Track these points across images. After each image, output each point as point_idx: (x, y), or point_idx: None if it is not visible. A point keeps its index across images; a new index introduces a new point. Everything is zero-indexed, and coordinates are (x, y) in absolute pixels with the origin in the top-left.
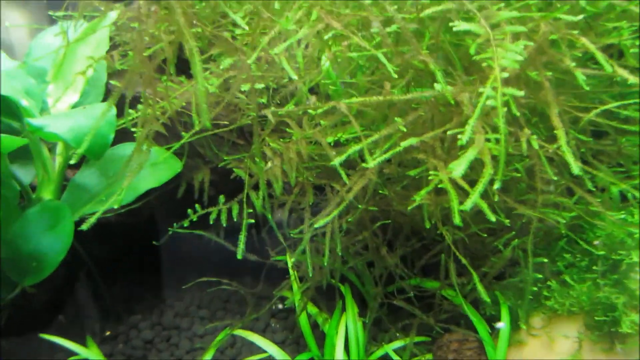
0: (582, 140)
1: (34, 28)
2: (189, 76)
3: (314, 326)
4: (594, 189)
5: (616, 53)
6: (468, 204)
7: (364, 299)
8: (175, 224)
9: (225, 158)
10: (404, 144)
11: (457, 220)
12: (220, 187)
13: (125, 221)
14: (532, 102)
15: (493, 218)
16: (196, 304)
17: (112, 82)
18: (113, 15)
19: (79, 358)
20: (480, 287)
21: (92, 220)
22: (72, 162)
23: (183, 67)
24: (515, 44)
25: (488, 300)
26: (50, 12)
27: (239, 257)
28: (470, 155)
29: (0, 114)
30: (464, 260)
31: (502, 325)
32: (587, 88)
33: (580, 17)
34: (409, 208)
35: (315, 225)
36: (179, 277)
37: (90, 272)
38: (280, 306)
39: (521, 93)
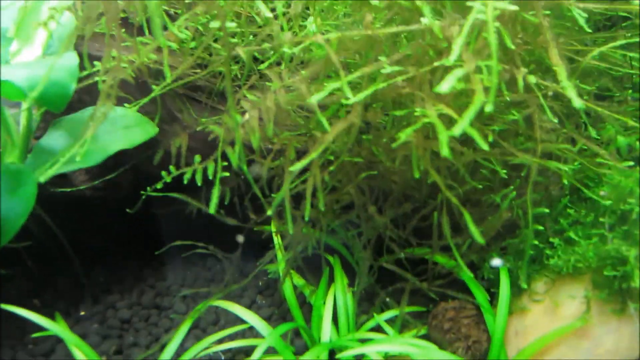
0: (586, 92)
1: None
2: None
3: (302, 300)
4: (599, 142)
5: None
6: (457, 129)
7: (354, 271)
8: (148, 189)
9: (202, 121)
10: (386, 71)
11: (445, 151)
12: (200, 154)
13: (102, 195)
14: (530, 48)
15: (486, 146)
16: (179, 284)
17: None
18: None
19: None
20: (473, 229)
21: (50, 172)
22: (23, 107)
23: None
24: None
25: (482, 241)
26: None
27: (212, 212)
28: (457, 72)
29: None
30: (459, 206)
31: (498, 262)
32: (589, 30)
33: None
34: (394, 145)
35: (292, 168)
36: (162, 255)
37: (66, 252)
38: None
39: (515, 7)
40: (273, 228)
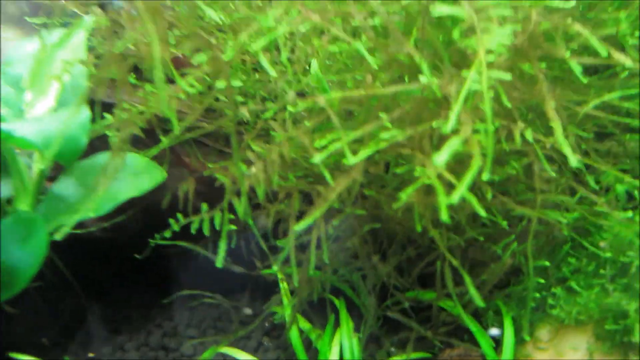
0: (584, 138)
1: None
2: (171, 81)
3: (308, 343)
4: (597, 189)
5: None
6: (455, 196)
7: (361, 313)
8: (157, 236)
9: (209, 165)
10: (387, 135)
11: (444, 216)
12: (207, 197)
13: (110, 237)
14: (527, 98)
15: (483, 212)
16: (185, 323)
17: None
18: (88, 19)
19: None
20: (473, 291)
21: (65, 229)
22: (42, 167)
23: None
24: (502, 27)
25: (483, 304)
26: (27, 18)
27: (219, 265)
28: (454, 142)
29: None
30: (459, 267)
31: (496, 331)
32: (585, 80)
33: (572, 3)
34: (395, 206)
35: (296, 228)
36: (168, 295)
37: (74, 291)
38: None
39: (508, 76)
40: (279, 274)
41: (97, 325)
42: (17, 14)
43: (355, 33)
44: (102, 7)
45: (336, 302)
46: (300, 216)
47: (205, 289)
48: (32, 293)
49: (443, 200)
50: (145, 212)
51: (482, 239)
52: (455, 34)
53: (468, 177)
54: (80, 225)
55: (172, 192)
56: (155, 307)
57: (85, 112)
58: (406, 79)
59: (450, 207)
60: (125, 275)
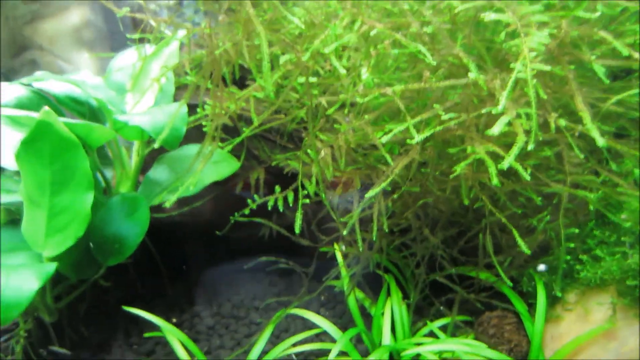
0: (607, 132)
1: (99, 67)
2: (242, 87)
3: (362, 311)
4: (619, 172)
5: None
6: (505, 164)
7: (404, 288)
8: (236, 214)
9: (277, 157)
10: (445, 117)
11: (495, 181)
12: (272, 185)
13: (188, 221)
14: (558, 96)
15: (527, 177)
16: (251, 297)
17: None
18: (182, 32)
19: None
20: (520, 241)
21: (172, 199)
22: (155, 146)
23: (237, 80)
24: (541, 30)
25: (528, 252)
26: (128, 35)
27: (297, 231)
28: (503, 119)
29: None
30: (510, 225)
31: (543, 267)
32: (607, 81)
33: (597, 14)
34: (450, 179)
35: (367, 195)
36: (235, 272)
37: (157, 268)
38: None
39: (548, 68)
40: (337, 248)
41: (176, 297)
42: (91, 39)
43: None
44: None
45: (386, 277)
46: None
47: (268, 267)
48: (122, 269)
49: (493, 169)
50: (216, 199)
51: (520, 211)
52: (499, 38)
53: (516, 148)
54: (159, 208)
55: (243, 180)
56: (225, 282)
57: (184, 107)
58: (454, 77)
59: (492, 187)
60: (199, 254)
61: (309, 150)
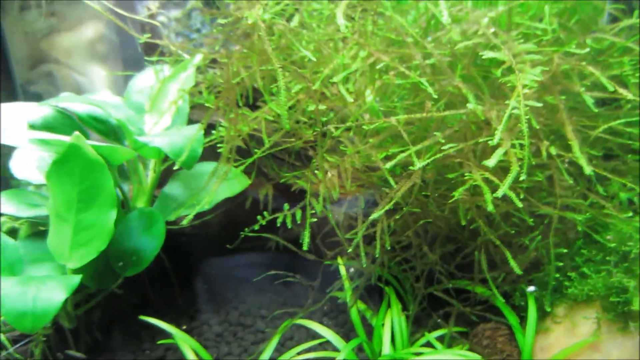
0: (595, 156)
1: (111, 81)
2: (254, 108)
3: (363, 322)
4: (605, 196)
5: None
6: (499, 192)
7: (405, 301)
8: (246, 229)
9: (285, 175)
10: (445, 147)
11: (490, 207)
12: (279, 201)
13: (198, 232)
14: (550, 123)
15: (519, 203)
16: (257, 306)
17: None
18: (198, 57)
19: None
20: (513, 263)
21: (190, 217)
22: (175, 167)
23: (249, 102)
24: (534, 69)
25: (520, 272)
26: (145, 58)
27: (305, 248)
28: (499, 151)
29: (110, 137)
30: (502, 247)
31: (532, 288)
32: (596, 110)
33: (586, 50)
34: (449, 202)
35: (371, 217)
36: (241, 283)
37: (168, 277)
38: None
39: (539, 104)
40: (340, 262)
41: (186, 305)
42: (105, 52)
43: (408, 67)
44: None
45: (387, 289)
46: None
47: (273, 280)
48: (135, 277)
49: (489, 196)
50: (226, 213)
51: (512, 231)
52: (498, 72)
53: (510, 177)
54: (174, 222)
55: (252, 196)
56: (232, 292)
57: (201, 130)
58: (454, 107)
59: (493, 209)
60: (208, 264)
61: (316, 171)
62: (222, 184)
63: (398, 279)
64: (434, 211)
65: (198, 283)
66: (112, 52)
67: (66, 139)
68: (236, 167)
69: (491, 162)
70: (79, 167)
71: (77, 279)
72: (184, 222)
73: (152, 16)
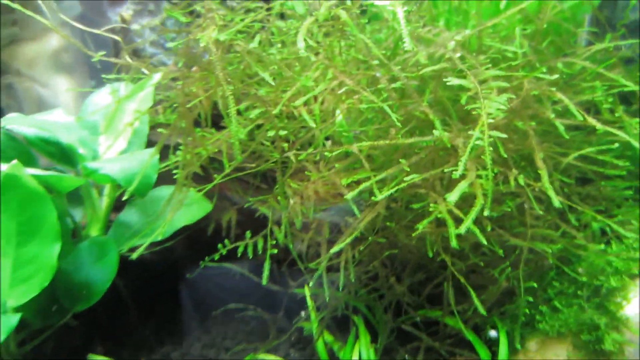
0: (567, 183)
1: (78, 92)
2: (219, 128)
3: (331, 354)
4: (577, 225)
5: (592, 110)
6: (462, 228)
7: (375, 329)
8: (207, 258)
9: (250, 199)
10: (408, 178)
11: (454, 243)
12: (245, 226)
13: (160, 258)
14: (520, 149)
15: (484, 241)
16: (221, 337)
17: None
18: (157, 76)
19: None
20: (477, 303)
21: (140, 250)
22: (124, 198)
23: (213, 121)
24: (500, 96)
25: (484, 313)
26: (103, 76)
27: (264, 283)
28: (462, 185)
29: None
30: (466, 285)
31: (494, 333)
32: (567, 136)
33: (556, 76)
34: (413, 234)
35: (332, 251)
36: (206, 312)
37: (126, 307)
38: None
39: (504, 135)
40: (307, 292)
41: (145, 337)
42: (71, 62)
43: (375, 90)
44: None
45: (355, 319)
46: (329, 243)
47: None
48: (92, 308)
49: (452, 231)
50: (189, 238)
51: (482, 264)
52: (463, 99)
53: (473, 213)
54: (133, 248)
55: (216, 220)
56: (195, 322)
57: (156, 155)
58: (421, 131)
59: (457, 237)
60: (170, 292)
61: (279, 198)
62: (180, 210)
63: (369, 306)
64: (402, 239)
65: (160, 312)
66: (78, 62)
67: (4, 167)
68: (198, 191)
69: (453, 196)
70: (17, 198)
71: (15, 318)
72: (133, 256)
73: (124, 24)
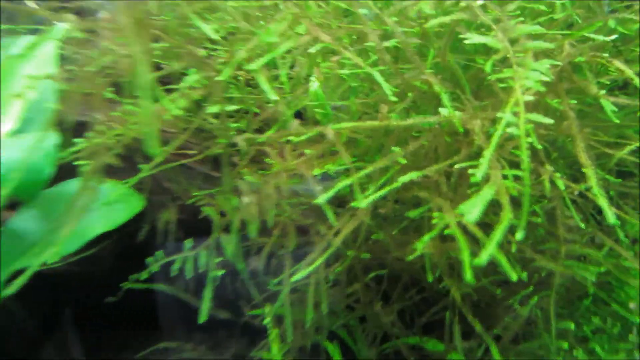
0: (609, 182)
1: None
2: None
3: None
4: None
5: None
6: (483, 257)
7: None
8: (133, 275)
9: (194, 194)
10: (403, 178)
11: (469, 277)
12: (190, 227)
13: (79, 270)
14: (552, 134)
15: (514, 277)
16: None
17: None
18: (62, 27)
19: None
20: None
21: (23, 279)
22: (0, 202)
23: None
24: (540, 62)
25: None
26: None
27: (203, 319)
28: (486, 194)
29: None
30: (475, 322)
31: None
32: (617, 120)
33: (613, 37)
34: (408, 257)
35: (295, 278)
36: (143, 335)
37: (27, 336)
38: None
39: (550, 121)
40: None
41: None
42: None
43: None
44: (79, 14)
45: (330, 348)
46: (296, 252)
47: (186, 333)
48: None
49: (467, 259)
50: (120, 241)
51: (499, 292)
52: (488, 66)
53: (498, 233)
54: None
55: (151, 221)
56: (129, 344)
57: (52, 139)
58: (422, 108)
59: (474, 281)
60: (99, 310)
61: (228, 195)
62: (97, 212)
63: (347, 327)
64: (391, 253)
65: (85, 337)
66: None
67: None
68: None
69: (473, 213)
70: None
71: None
72: (9, 291)
73: None
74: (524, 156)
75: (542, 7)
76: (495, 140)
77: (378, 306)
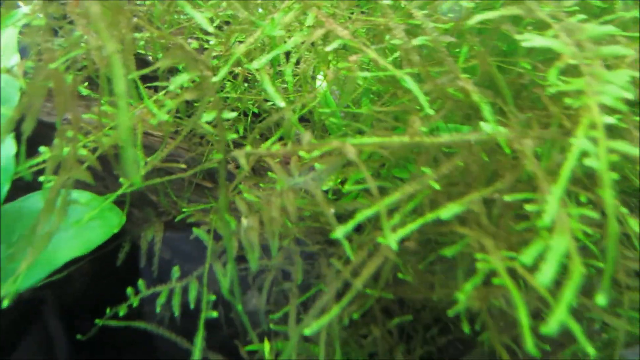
0: None
1: None
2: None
3: None
4: None
5: None
6: (552, 325)
7: None
8: (109, 309)
9: (184, 210)
10: (444, 214)
11: (530, 346)
12: (179, 248)
13: (44, 295)
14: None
15: (592, 351)
16: None
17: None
18: (23, 10)
19: None
20: None
21: None
22: None
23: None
24: (616, 72)
25: None
26: None
27: (196, 358)
28: (558, 247)
29: None
30: None
31: None
32: None
33: None
34: (450, 313)
35: (306, 332)
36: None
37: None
38: None
39: (637, 151)
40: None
41: None
42: None
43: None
44: None
45: None
46: (303, 288)
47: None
48: None
49: (526, 322)
50: (95, 260)
51: (547, 347)
52: (552, 74)
53: (569, 294)
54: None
55: (133, 238)
56: None
57: (9, 147)
58: (455, 120)
59: (537, 354)
60: (71, 340)
61: (227, 217)
62: (68, 233)
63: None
64: (418, 293)
65: None
66: None
67: None
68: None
69: (546, 276)
70: None
71: None
72: None
73: None
74: (609, 199)
75: (598, 3)
76: (566, 173)
77: (399, 354)
